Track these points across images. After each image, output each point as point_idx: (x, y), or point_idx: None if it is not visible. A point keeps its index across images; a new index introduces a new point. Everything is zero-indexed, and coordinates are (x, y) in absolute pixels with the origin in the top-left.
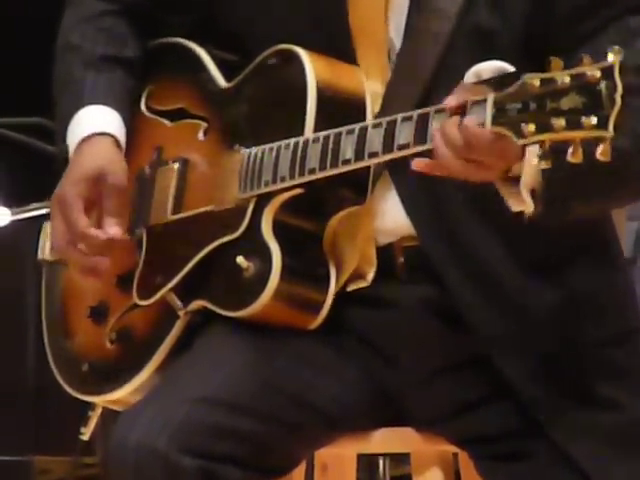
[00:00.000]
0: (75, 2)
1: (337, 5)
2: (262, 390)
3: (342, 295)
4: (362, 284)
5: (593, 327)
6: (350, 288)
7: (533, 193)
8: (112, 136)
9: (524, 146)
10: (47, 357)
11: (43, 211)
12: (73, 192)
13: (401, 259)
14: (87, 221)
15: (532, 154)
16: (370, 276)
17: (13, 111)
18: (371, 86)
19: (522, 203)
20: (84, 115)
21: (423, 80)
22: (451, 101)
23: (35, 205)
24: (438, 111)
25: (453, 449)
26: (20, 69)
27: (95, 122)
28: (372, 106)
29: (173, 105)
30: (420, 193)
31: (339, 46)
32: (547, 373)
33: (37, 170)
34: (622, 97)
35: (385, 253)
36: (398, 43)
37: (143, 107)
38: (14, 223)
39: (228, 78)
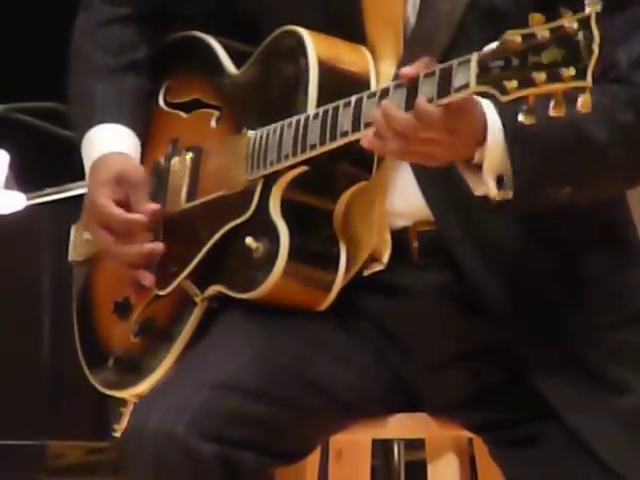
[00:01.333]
0: (86, 7)
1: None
2: (279, 375)
3: (357, 281)
4: (378, 267)
5: (608, 310)
6: (366, 273)
7: (500, 179)
8: (123, 154)
9: (485, 129)
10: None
11: (58, 196)
12: (102, 196)
13: (415, 244)
14: (124, 211)
15: (494, 137)
16: (385, 258)
17: (28, 96)
18: (384, 67)
19: (485, 188)
20: (96, 135)
21: (434, 60)
22: (405, 70)
23: (50, 190)
24: (427, 75)
25: (468, 434)
26: (35, 54)
27: (106, 142)
28: (379, 85)
29: (188, 97)
30: (435, 174)
31: (351, 29)
32: (562, 356)
33: (52, 155)
34: (599, 46)
35: (400, 238)
36: (413, 23)
37: (161, 102)
38: (29, 208)
39: (238, 65)
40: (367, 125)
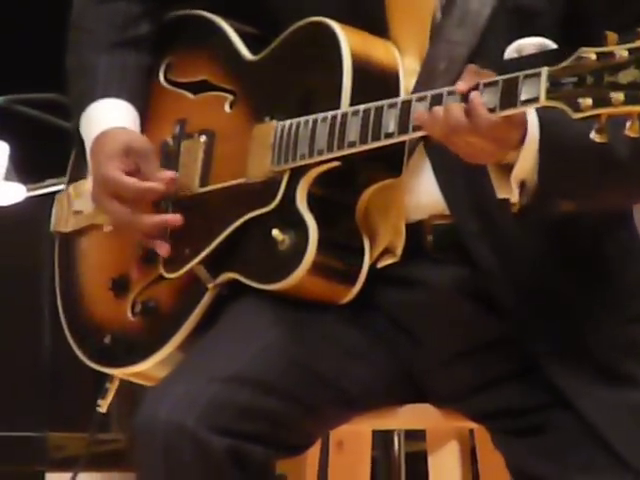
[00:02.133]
0: None
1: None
2: (289, 369)
3: (371, 274)
4: (391, 259)
5: (620, 305)
6: (380, 265)
7: (522, 184)
8: (126, 129)
9: (524, 137)
10: (63, 333)
11: (58, 187)
12: (111, 168)
13: (430, 237)
14: (138, 180)
15: (530, 146)
16: (399, 250)
17: (28, 87)
18: (407, 62)
19: (508, 191)
20: (98, 109)
21: (460, 58)
22: (461, 85)
23: (50, 181)
24: (488, 85)
25: (469, 425)
26: (35, 45)
27: (110, 117)
28: (405, 81)
29: (195, 77)
30: (455, 167)
31: (374, 22)
32: (574, 350)
33: (52, 146)
34: None
35: (414, 231)
36: (439, 18)
37: (162, 79)
38: (29, 199)
39: (253, 51)
40: (415, 129)
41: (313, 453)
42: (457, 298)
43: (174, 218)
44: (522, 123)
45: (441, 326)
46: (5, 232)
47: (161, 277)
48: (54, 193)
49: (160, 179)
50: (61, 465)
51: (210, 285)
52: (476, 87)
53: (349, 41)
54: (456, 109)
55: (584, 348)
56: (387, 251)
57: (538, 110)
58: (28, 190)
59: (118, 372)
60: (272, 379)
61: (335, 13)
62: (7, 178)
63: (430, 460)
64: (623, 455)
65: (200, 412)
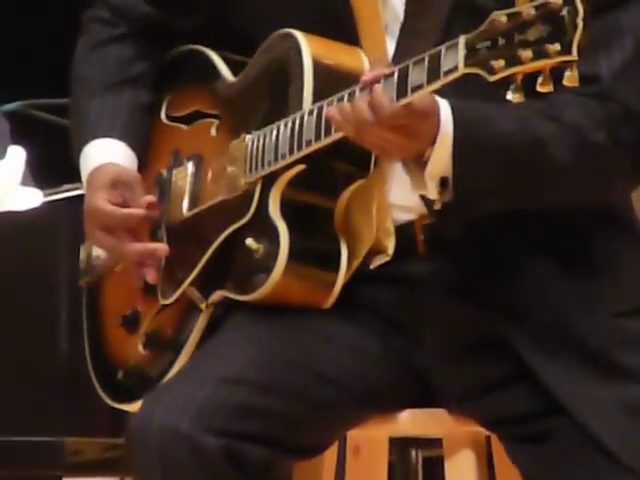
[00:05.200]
0: (84, 30)
1: (343, 2)
2: (286, 368)
3: (365, 274)
4: (384, 259)
5: (612, 298)
6: (373, 265)
7: (445, 182)
8: (117, 164)
9: (437, 129)
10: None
11: (75, 192)
12: (98, 199)
13: (421, 237)
14: (118, 208)
15: (443, 140)
16: (390, 249)
17: (44, 92)
18: (379, 64)
19: (424, 188)
20: (90, 150)
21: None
22: (365, 77)
23: (67, 186)
24: (417, 62)
25: (485, 432)
26: (52, 50)
27: (100, 156)
28: None
29: (189, 109)
30: None
31: (343, 29)
32: (565, 348)
33: (70, 151)
34: (584, 20)
35: (406, 231)
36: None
37: (163, 116)
38: (46, 204)
39: (236, 74)
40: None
41: (330, 458)
42: (450, 296)
43: (161, 247)
44: (429, 113)
45: (436, 324)
46: (22, 237)
47: (163, 306)
48: (71, 198)
49: (140, 204)
50: (78, 470)
51: (203, 305)
52: (380, 79)
53: (310, 47)
54: (360, 102)
55: (576, 343)
56: (378, 251)
57: (454, 109)
58: (45, 195)
59: (131, 407)
60: (268, 379)
61: (306, 28)
62: (24, 183)
63: (446, 466)
64: (619, 457)
65: (195, 414)
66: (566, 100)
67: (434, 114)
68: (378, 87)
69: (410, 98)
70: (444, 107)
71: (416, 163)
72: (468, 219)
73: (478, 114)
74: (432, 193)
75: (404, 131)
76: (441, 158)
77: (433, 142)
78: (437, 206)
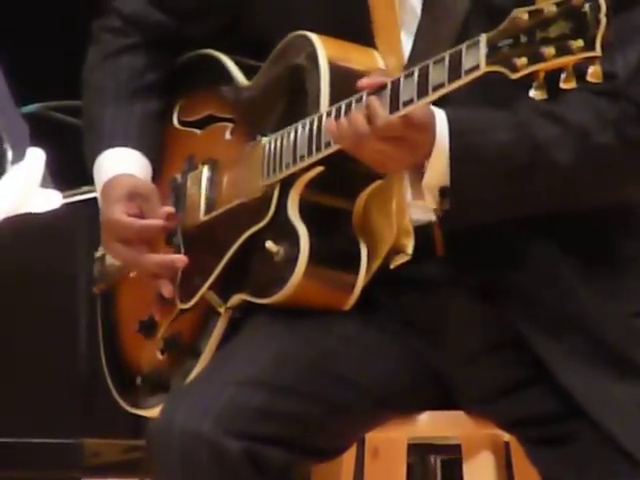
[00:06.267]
0: (95, 41)
1: (359, 4)
2: (306, 370)
3: (383, 275)
4: (404, 258)
5: (629, 298)
6: (393, 265)
7: (444, 191)
8: (132, 175)
9: (434, 140)
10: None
11: (94, 194)
12: (115, 211)
13: (441, 238)
14: (136, 219)
15: (439, 151)
16: (410, 248)
17: (63, 94)
18: (392, 63)
19: (422, 198)
20: (105, 160)
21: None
22: (362, 82)
23: (86, 188)
24: (437, 61)
25: (504, 434)
26: (69, 52)
27: (114, 166)
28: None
29: (201, 114)
30: None
31: (361, 33)
32: (583, 348)
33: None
34: (606, 15)
35: (425, 232)
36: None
37: (175, 122)
38: (65, 206)
39: (249, 78)
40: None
41: (349, 460)
42: (468, 297)
43: (179, 258)
44: (426, 125)
45: (455, 325)
46: (41, 238)
47: (182, 311)
48: (90, 200)
49: (159, 215)
50: (97, 472)
51: (222, 309)
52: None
53: (326, 49)
54: (357, 116)
55: (593, 341)
56: (397, 251)
57: (450, 119)
58: (64, 197)
59: (150, 413)
60: (289, 381)
61: (321, 29)
62: (43, 185)
63: (465, 468)
64: (634, 454)
65: (216, 417)
66: (574, 100)
67: (431, 126)
68: (373, 99)
69: (432, 97)
70: (440, 117)
71: (415, 173)
72: (470, 226)
73: (475, 124)
74: (430, 203)
75: (401, 143)
76: (438, 169)
77: (430, 153)
78: (437, 214)
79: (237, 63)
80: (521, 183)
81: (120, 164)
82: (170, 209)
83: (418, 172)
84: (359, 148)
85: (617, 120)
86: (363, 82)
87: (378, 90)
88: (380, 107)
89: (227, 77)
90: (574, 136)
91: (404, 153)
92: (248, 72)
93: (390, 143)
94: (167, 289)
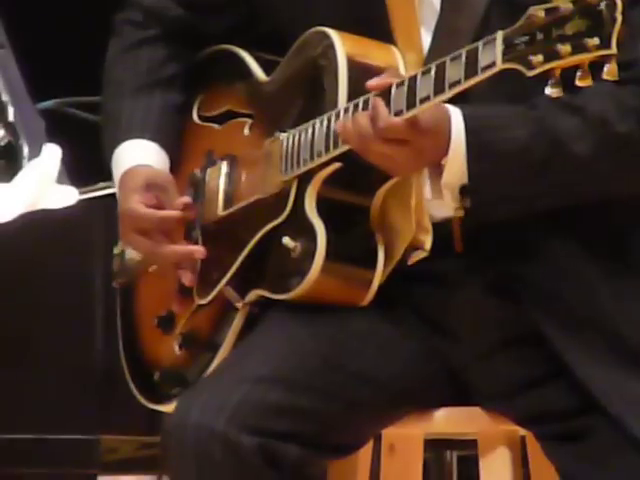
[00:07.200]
0: (117, 32)
1: (377, 2)
2: (322, 367)
3: (400, 271)
4: (422, 255)
5: None
6: (411, 261)
7: (464, 189)
8: (149, 166)
9: (449, 140)
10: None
11: (110, 190)
12: (132, 202)
13: (458, 234)
14: (154, 210)
15: (456, 150)
16: (428, 244)
17: (79, 90)
18: (411, 58)
19: (441, 196)
20: (122, 152)
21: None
22: (371, 82)
23: (102, 184)
24: (454, 58)
25: (520, 430)
26: (85, 48)
27: (132, 157)
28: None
29: (221, 109)
30: None
31: (379, 29)
32: (601, 344)
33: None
34: (622, 14)
35: (443, 228)
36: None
37: (195, 117)
38: (81, 202)
39: (268, 74)
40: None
41: (365, 457)
42: (486, 292)
43: (198, 249)
44: (433, 130)
45: (472, 320)
46: (57, 235)
47: (199, 306)
48: (106, 196)
49: (176, 205)
50: (114, 468)
51: (239, 305)
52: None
53: (344, 44)
54: (361, 117)
55: (610, 340)
56: (415, 247)
57: (466, 117)
58: (80, 193)
59: (168, 408)
60: (305, 378)
61: (339, 26)
62: (59, 181)
63: (481, 464)
64: None
65: (230, 413)
66: (593, 89)
67: (440, 130)
68: (378, 100)
69: (449, 94)
70: (456, 115)
71: (435, 172)
72: (491, 222)
73: (491, 121)
74: (449, 202)
75: (407, 147)
76: (457, 168)
77: (443, 155)
78: (458, 213)
79: (256, 59)
80: (541, 177)
81: (137, 155)
82: (187, 199)
83: (437, 171)
84: (364, 149)
85: (638, 107)
86: (372, 83)
87: (385, 91)
88: (384, 108)
89: (246, 73)
90: (593, 126)
91: (409, 156)
92: (267, 68)
93: (393, 145)
94: (188, 278)
